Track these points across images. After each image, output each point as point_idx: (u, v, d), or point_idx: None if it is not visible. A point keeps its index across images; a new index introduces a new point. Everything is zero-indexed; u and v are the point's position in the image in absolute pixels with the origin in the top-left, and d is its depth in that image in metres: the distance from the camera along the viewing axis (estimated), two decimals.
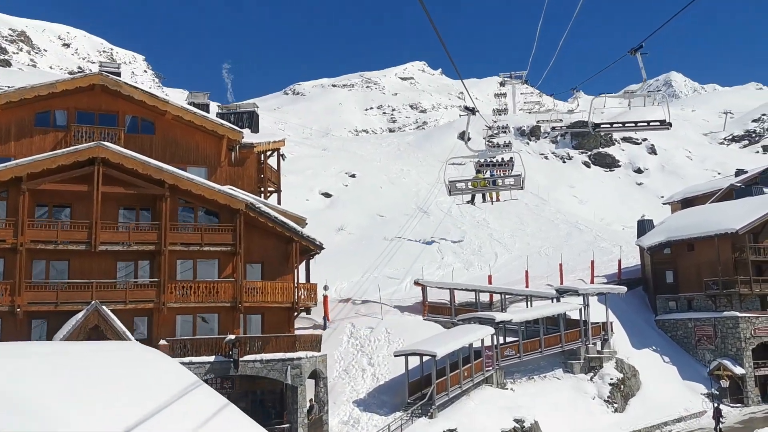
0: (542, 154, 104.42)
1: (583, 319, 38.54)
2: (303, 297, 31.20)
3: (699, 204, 54.74)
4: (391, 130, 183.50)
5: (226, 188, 29.83)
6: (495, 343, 34.21)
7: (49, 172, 26.96)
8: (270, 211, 30.32)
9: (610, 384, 36.93)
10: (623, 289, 43.08)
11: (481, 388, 33.13)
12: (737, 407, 39.82)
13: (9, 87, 31.03)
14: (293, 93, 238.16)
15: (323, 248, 32.76)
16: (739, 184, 54.68)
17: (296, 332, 31.63)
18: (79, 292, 26.66)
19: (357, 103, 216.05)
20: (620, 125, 19.90)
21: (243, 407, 28.30)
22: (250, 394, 29.29)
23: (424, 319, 39.01)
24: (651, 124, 19.92)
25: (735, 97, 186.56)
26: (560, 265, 47.81)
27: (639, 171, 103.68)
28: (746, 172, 60.69)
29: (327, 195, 71.83)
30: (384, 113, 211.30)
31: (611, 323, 40.81)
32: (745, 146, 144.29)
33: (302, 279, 33.51)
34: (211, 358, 26.95)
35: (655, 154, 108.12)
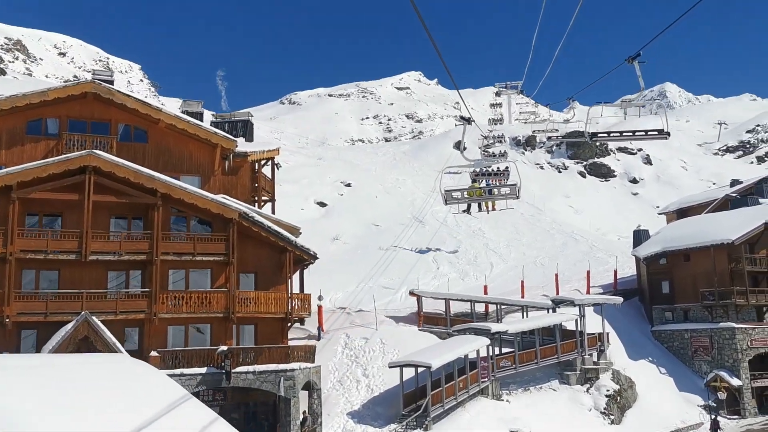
0: (538, 164, 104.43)
1: (579, 329, 38.29)
2: (297, 307, 30.89)
3: (694, 214, 54.65)
4: (387, 140, 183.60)
5: (220, 197, 29.57)
6: (490, 354, 33.92)
7: (39, 180, 26.66)
8: (263, 221, 30.05)
9: (606, 395, 36.60)
10: (619, 299, 42.86)
11: (476, 399, 32.82)
12: (734, 419, 39.53)
13: (1, 95, 30.75)
14: (289, 102, 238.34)
15: (317, 258, 32.49)
16: (734, 195, 54.67)
17: (290, 343, 31.30)
18: (69, 303, 26.30)
19: (353, 112, 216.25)
20: (618, 134, 19.70)
21: (235, 419, 28.05)
22: (243, 406, 28.94)
23: (419, 330, 38.70)
24: (649, 133, 19.75)
25: (729, 108, 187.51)
26: (556, 275, 47.61)
27: (634, 181, 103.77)
28: (741, 182, 60.78)
29: (322, 204, 71.55)
30: (380, 123, 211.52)
31: (607, 334, 40.56)
32: (739, 157, 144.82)
33: (296, 289, 33.21)
34: (203, 370, 26.57)
35: (651, 164, 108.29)
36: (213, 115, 43.46)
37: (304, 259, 32.06)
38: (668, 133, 19.57)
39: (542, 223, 74.52)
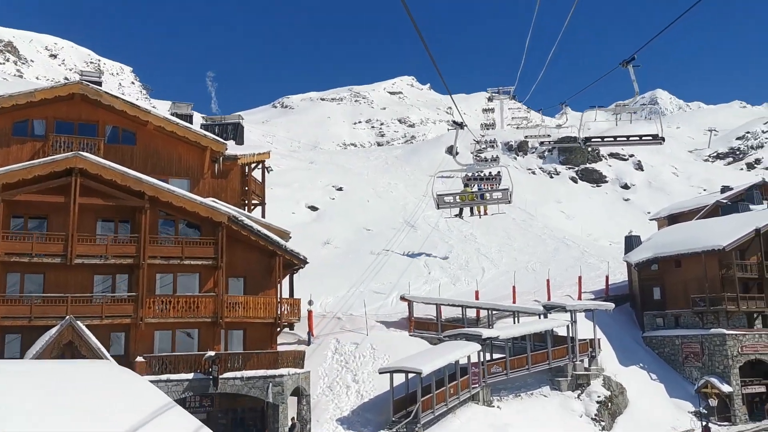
0: (529, 169, 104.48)
1: (571, 335, 38.13)
2: (286, 312, 30.55)
3: (685, 220, 54.73)
4: (379, 144, 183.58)
5: (209, 200, 29.24)
6: (481, 359, 33.69)
7: (25, 182, 26.25)
8: (253, 224, 29.72)
9: (597, 402, 36.44)
10: (611, 305, 42.75)
11: (467, 405, 32.56)
12: (725, 425, 39.42)
13: None
14: (282, 106, 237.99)
15: (307, 262, 32.18)
16: (725, 201, 54.80)
17: (279, 348, 30.96)
18: (53, 306, 25.90)
19: (345, 116, 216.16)
20: (611, 139, 19.46)
21: (223, 426, 27.71)
22: (231, 412, 28.56)
23: (410, 335, 38.44)
24: (643, 138, 19.53)
25: (719, 115, 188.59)
26: (547, 280, 47.46)
27: (626, 187, 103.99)
28: (732, 188, 60.98)
29: (314, 208, 71.20)
30: (372, 127, 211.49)
31: (599, 340, 40.43)
32: (729, 163, 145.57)
33: (286, 294, 32.88)
34: (190, 376, 26.19)
35: (642, 170, 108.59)
36: (203, 117, 43.12)
37: (293, 263, 31.73)
38: (663, 138, 19.39)
39: (534, 229, 74.43)
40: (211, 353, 26.66)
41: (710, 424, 36.54)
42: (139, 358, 25.96)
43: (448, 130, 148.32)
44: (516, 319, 39.88)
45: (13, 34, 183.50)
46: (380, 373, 30.53)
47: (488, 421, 31.88)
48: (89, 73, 33.10)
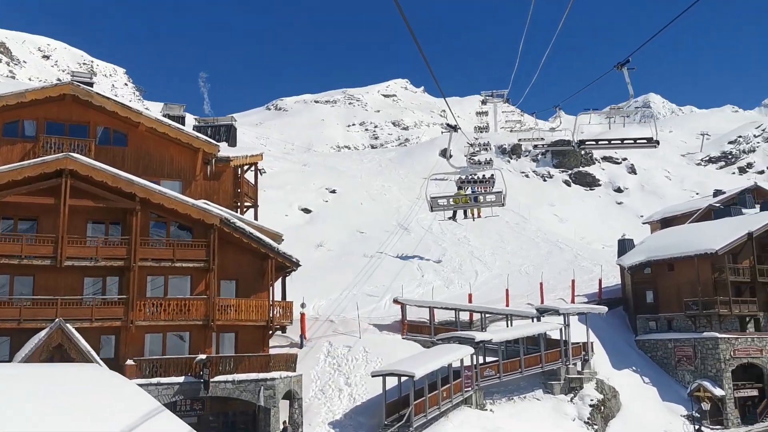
0: (523, 173, 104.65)
1: (564, 339, 38.06)
2: (278, 315, 30.35)
3: (678, 224, 54.84)
4: (373, 147, 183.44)
5: (201, 202, 29.01)
6: (474, 363, 33.57)
7: (14, 183, 25.94)
8: (245, 227, 29.53)
9: (590, 405, 36.37)
10: (604, 309, 42.74)
11: (460, 409, 32.43)
12: (717, 429, 39.44)
13: None
14: (276, 108, 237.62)
15: (299, 265, 31.99)
16: (717, 205, 54.97)
17: (271, 351, 30.75)
18: (43, 309, 25.58)
19: (339, 119, 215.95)
20: (606, 142, 19.35)
21: (214, 429, 27.50)
22: (222, 415, 28.33)
23: (403, 338, 38.29)
24: (638, 141, 19.42)
25: (712, 120, 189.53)
26: (541, 284, 47.43)
27: (619, 190, 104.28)
28: (724, 192, 61.19)
29: (307, 210, 71.04)
30: (366, 130, 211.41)
31: (592, 343, 40.39)
32: (721, 167, 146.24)
33: (278, 296, 32.69)
34: (181, 379, 25.95)
35: (635, 173, 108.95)
36: (196, 119, 42.90)
37: (286, 266, 31.55)
38: (657, 142, 19.29)
39: (527, 232, 74.49)
40: (202, 356, 26.44)
41: (703, 428, 36.52)
42: (130, 362, 25.71)
43: (442, 132, 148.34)
44: (509, 322, 39.79)
45: (5, 35, 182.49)
46: (373, 376, 30.37)
47: (481, 425, 31.76)
48: (80, 73, 32.84)
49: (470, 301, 44.26)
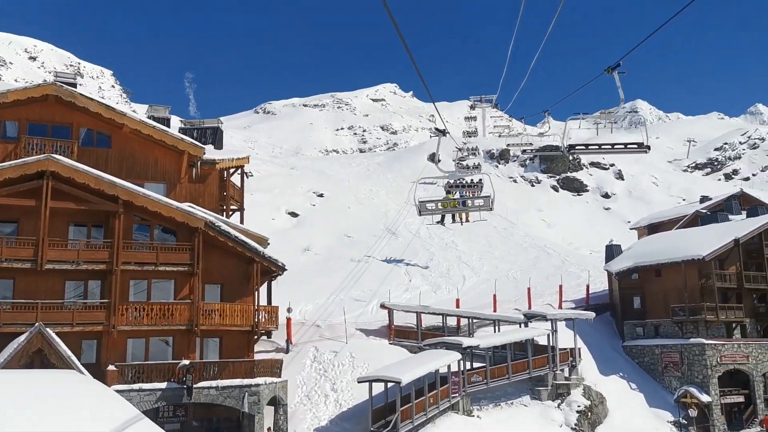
0: (511, 178, 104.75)
1: (551, 344, 37.93)
2: (263, 320, 29.97)
3: (665, 229, 54.96)
4: (361, 151, 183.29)
5: (185, 206, 28.60)
6: (462, 368, 33.34)
7: None
8: (230, 230, 29.14)
9: (577, 411, 36.24)
10: (591, 314, 42.64)
11: (446, 415, 32.17)
12: None
13: None
14: (264, 112, 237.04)
15: (285, 269, 31.64)
16: (704, 211, 55.13)
17: (257, 356, 30.36)
18: (23, 313, 25.08)
19: (328, 123, 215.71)
20: (596, 147, 19.20)
21: None
22: (205, 422, 27.88)
23: (390, 343, 38.03)
24: (628, 146, 19.27)
25: (698, 126, 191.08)
26: (528, 289, 47.31)
27: (606, 196, 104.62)
28: (711, 198, 61.42)
29: (294, 214, 70.59)
30: (355, 134, 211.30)
31: (579, 349, 40.30)
32: (707, 174, 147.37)
33: (264, 301, 32.31)
34: (163, 385, 25.50)
35: (623, 179, 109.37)
36: (181, 121, 42.49)
37: (272, 270, 31.20)
38: (648, 147, 19.15)
39: (515, 237, 74.44)
40: (186, 362, 26.02)
41: None
42: (111, 367, 25.24)
43: (431, 137, 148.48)
44: (497, 327, 39.62)
45: None
46: (359, 382, 30.05)
47: (468, 431, 31.51)
48: (64, 74, 32.33)
49: (458, 306, 44.05)
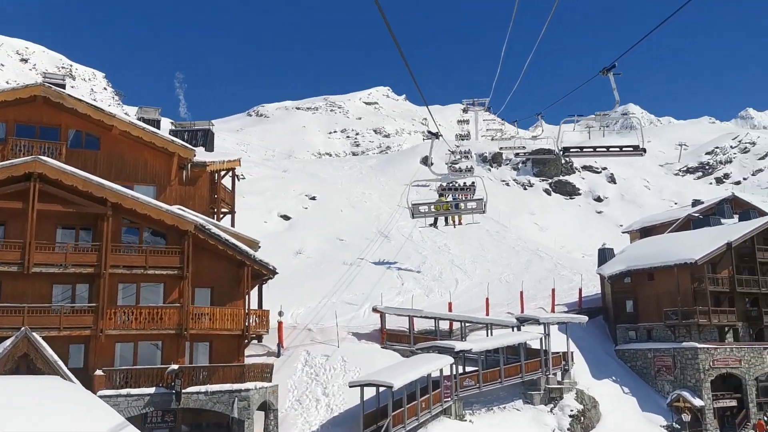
0: (504, 181, 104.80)
1: (544, 348, 37.77)
2: (254, 324, 29.65)
3: (657, 233, 55.01)
4: (354, 154, 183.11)
5: (175, 208, 28.28)
6: (454, 372, 33.12)
7: None
8: (221, 233, 28.83)
9: (570, 416, 36.07)
10: (584, 318, 42.53)
11: (439, 419, 31.93)
12: None
13: None
14: (257, 115, 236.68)
15: (276, 273, 31.35)
16: (696, 215, 55.26)
17: (248, 360, 30.06)
18: (9, 317, 24.70)
19: (321, 126, 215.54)
20: (591, 150, 18.93)
21: None
22: (194, 427, 27.48)
23: (382, 347, 37.76)
24: (624, 149, 19.03)
25: (689, 131, 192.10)
26: (521, 292, 47.14)
27: (599, 199, 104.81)
28: (702, 202, 61.63)
29: (286, 217, 70.26)
30: (348, 137, 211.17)
31: (572, 353, 40.14)
32: (699, 177, 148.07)
33: (255, 305, 31.99)
34: (152, 390, 25.16)
35: (615, 183, 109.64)
36: (172, 123, 42.10)
37: (263, 273, 30.88)
38: (644, 150, 18.88)
39: (508, 240, 74.35)
40: (174, 366, 25.68)
41: None
42: (99, 372, 24.89)
43: (424, 140, 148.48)
44: (489, 331, 39.42)
45: None
46: (350, 386, 29.80)
47: None
48: (52, 75, 31.93)
49: (450, 309, 43.85)
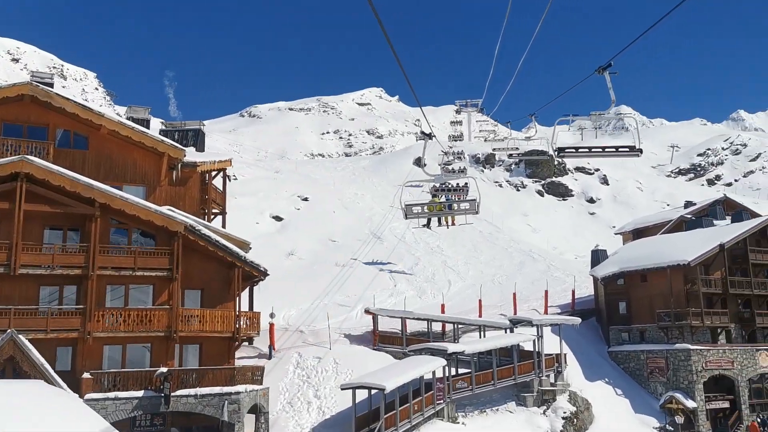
0: (496, 182, 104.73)
1: (537, 350, 37.61)
2: (245, 326, 29.35)
3: (650, 234, 54.95)
4: (347, 155, 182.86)
5: (165, 209, 27.95)
6: (447, 374, 32.90)
7: None
8: (211, 234, 28.52)
9: (563, 418, 35.89)
10: (577, 320, 42.34)
11: (431, 422, 31.68)
12: None
13: None
14: (249, 115, 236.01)
15: (267, 274, 31.05)
16: (689, 216, 55.26)
17: (239, 362, 29.76)
18: None
19: (313, 127, 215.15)
20: (586, 150, 18.66)
21: None
22: (184, 431, 27.16)
23: (374, 349, 37.49)
24: (620, 150, 18.77)
25: (681, 132, 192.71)
26: (514, 294, 46.97)
27: (591, 201, 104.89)
28: (695, 204, 61.62)
29: (278, 218, 69.85)
30: (340, 138, 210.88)
31: (565, 355, 40.00)
32: (691, 179, 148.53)
33: (246, 306, 31.68)
34: (140, 393, 24.82)
35: (607, 184, 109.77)
36: (162, 123, 41.74)
37: (253, 275, 30.58)
38: (640, 150, 18.64)
39: (500, 242, 74.22)
40: (163, 369, 25.34)
41: None
42: (86, 375, 24.52)
43: (417, 140, 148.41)
44: (482, 333, 39.21)
45: None
46: (342, 389, 29.53)
47: None
48: (40, 74, 31.52)
49: (443, 311, 43.62)
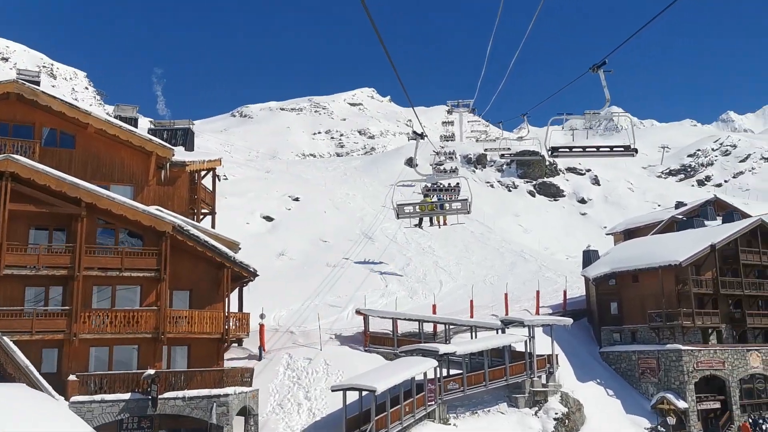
0: (488, 183, 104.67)
1: (529, 351, 37.46)
2: (234, 327, 29.03)
3: (641, 235, 54.96)
4: (338, 155, 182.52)
5: (152, 208, 27.58)
6: (438, 375, 32.69)
7: None
8: (200, 235, 28.16)
9: (554, 419, 35.76)
10: (569, 320, 42.23)
11: (422, 423, 31.47)
12: None
13: None
14: (241, 115, 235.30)
15: (257, 275, 30.73)
16: (680, 217, 55.30)
17: (228, 364, 29.41)
18: None
19: (305, 127, 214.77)
20: (580, 149, 18.43)
21: None
22: None
23: (365, 350, 37.23)
24: (615, 149, 18.53)
25: (671, 133, 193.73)
26: (505, 294, 46.84)
27: (583, 201, 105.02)
28: (686, 204, 61.71)
29: (269, 218, 69.44)
30: (332, 138, 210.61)
31: (556, 356, 39.87)
32: (681, 180, 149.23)
33: (235, 308, 31.35)
34: (127, 396, 24.44)
35: (599, 184, 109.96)
36: (151, 122, 41.31)
37: (243, 275, 30.26)
38: (635, 150, 18.43)
39: (492, 242, 74.11)
40: (151, 371, 24.98)
41: None
42: (72, 377, 24.14)
43: (409, 140, 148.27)
44: (474, 334, 39.04)
45: None
46: (333, 390, 29.26)
47: None
48: (27, 71, 31.05)
49: (434, 312, 43.41)
